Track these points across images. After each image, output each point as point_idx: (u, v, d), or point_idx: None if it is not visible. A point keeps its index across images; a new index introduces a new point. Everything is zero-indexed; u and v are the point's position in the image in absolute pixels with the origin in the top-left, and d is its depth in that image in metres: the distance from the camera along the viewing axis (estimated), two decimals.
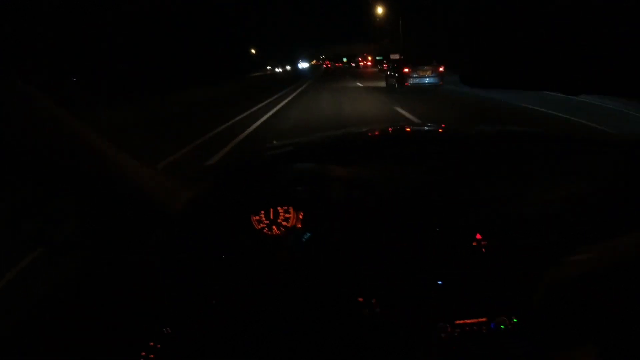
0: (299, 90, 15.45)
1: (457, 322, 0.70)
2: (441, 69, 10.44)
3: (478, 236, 0.74)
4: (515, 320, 0.70)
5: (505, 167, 0.86)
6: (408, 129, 1.54)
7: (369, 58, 58.79)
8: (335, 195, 0.78)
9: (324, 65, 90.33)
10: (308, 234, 0.80)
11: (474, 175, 0.85)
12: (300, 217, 0.81)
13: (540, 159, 0.88)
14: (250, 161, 1.12)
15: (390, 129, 1.52)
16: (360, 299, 0.70)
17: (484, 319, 0.70)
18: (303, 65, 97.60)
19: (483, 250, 0.73)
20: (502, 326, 0.70)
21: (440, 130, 1.43)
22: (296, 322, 0.71)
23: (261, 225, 0.81)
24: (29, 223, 0.53)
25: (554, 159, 0.88)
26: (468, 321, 0.70)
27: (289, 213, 0.81)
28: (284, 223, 0.82)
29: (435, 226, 0.75)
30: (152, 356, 0.63)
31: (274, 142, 1.28)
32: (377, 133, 1.34)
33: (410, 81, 10.40)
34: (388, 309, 0.71)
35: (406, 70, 10.40)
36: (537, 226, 0.75)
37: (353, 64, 66.84)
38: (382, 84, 13.92)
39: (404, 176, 0.85)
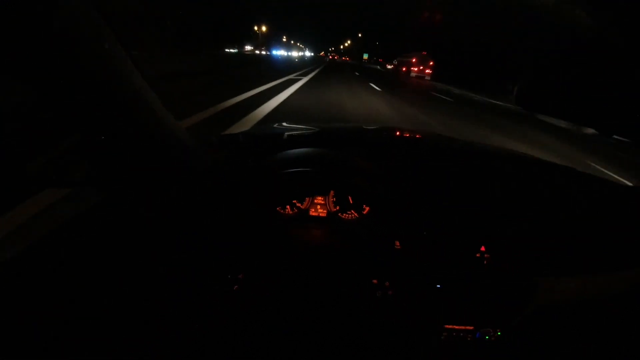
0: None
1: (446, 326, 0.73)
2: None
3: (482, 248, 0.76)
4: (499, 333, 0.73)
5: (511, 186, 0.90)
6: (420, 135, 1.41)
7: (431, 64, 26.21)
8: (354, 184, 0.77)
9: (329, 57, 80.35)
10: (320, 219, 0.82)
11: (484, 188, 0.87)
12: (315, 201, 0.83)
13: (545, 183, 0.93)
14: (268, 140, 1.03)
15: (404, 132, 1.43)
16: (375, 281, 0.72)
17: (470, 327, 0.73)
18: (300, 53, 68.50)
19: (484, 262, 0.75)
20: (487, 337, 0.73)
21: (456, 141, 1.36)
22: (298, 319, 0.71)
23: (277, 204, 0.81)
24: (37, 162, 0.51)
25: (556, 184, 0.94)
26: (456, 327, 0.73)
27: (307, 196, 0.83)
28: (298, 205, 0.83)
29: (446, 230, 0.77)
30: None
31: (284, 123, 1.26)
32: (394, 132, 1.36)
33: None
34: (389, 302, 0.72)
35: None
36: (535, 247, 0.77)
37: (390, 65, 36.95)
38: None
39: (417, 178, 0.86)
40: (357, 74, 18.85)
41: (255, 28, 54.05)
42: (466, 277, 0.74)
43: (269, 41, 56.55)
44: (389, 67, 39.57)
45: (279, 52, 49.83)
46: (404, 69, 27.92)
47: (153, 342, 0.63)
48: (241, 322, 0.69)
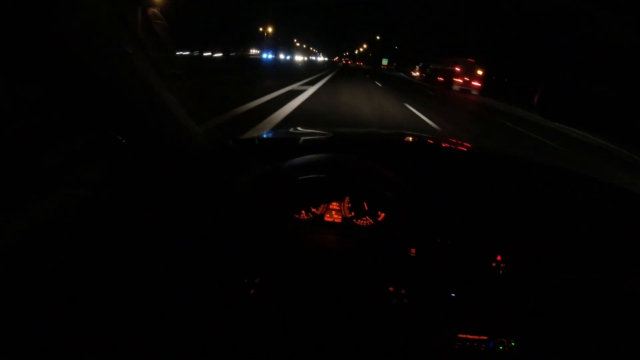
0: None
1: (460, 335, 0.71)
2: None
3: (499, 257, 0.74)
4: (513, 343, 0.72)
5: (530, 193, 0.87)
6: (432, 141, 1.37)
7: (480, 74, 18.45)
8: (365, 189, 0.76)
9: (342, 62, 74.73)
10: (335, 223, 0.81)
11: (502, 197, 0.84)
12: (331, 206, 0.82)
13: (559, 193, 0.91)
14: (283, 146, 1.03)
15: (414, 137, 1.35)
16: (391, 288, 0.71)
17: (484, 337, 0.72)
18: (309, 57, 62.36)
19: (500, 272, 0.74)
20: (501, 347, 0.72)
21: (468, 146, 1.35)
22: (311, 323, 0.70)
23: (291, 208, 0.80)
24: (53, 158, 0.53)
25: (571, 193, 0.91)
26: (470, 336, 0.71)
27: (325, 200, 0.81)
28: (313, 210, 0.81)
29: (462, 238, 0.75)
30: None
31: (299, 128, 1.23)
32: (408, 137, 1.31)
33: None
34: (404, 310, 0.71)
35: None
36: (552, 258, 0.75)
37: (416, 73, 29.93)
38: None
39: (432, 184, 0.83)
40: (387, 90, 11.60)
41: (261, 29, 47.68)
42: (481, 286, 0.73)
43: (273, 44, 49.37)
44: (414, 74, 32.33)
45: (271, 56, 40.13)
46: (440, 78, 20.66)
47: (153, 343, 0.62)
48: (255, 324, 0.68)
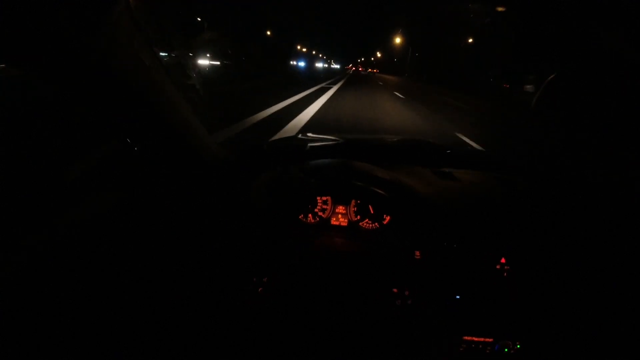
0: None
1: (465, 337, 0.73)
2: None
3: (502, 260, 0.74)
4: (518, 345, 0.73)
5: (530, 196, 0.87)
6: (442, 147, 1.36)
7: None
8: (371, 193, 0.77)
9: (352, 69, 70.84)
10: (342, 226, 0.82)
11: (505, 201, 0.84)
12: (336, 209, 0.82)
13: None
14: (291, 151, 1.06)
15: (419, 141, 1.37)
16: (395, 290, 0.72)
17: (490, 340, 0.73)
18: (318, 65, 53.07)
19: (505, 274, 0.74)
20: (506, 349, 0.73)
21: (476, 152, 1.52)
22: (316, 323, 0.71)
23: (297, 212, 0.81)
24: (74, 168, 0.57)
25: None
26: (475, 339, 0.73)
27: (326, 204, 0.82)
28: (319, 213, 0.82)
29: (467, 241, 0.75)
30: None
31: (308, 134, 1.30)
32: (415, 143, 1.30)
33: None
34: (408, 311, 0.72)
35: None
36: (553, 258, 0.74)
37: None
38: None
39: (437, 189, 0.83)
40: None
41: None
42: (485, 288, 0.73)
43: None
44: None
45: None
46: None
47: (156, 343, 0.62)
48: (263, 321, 0.69)
